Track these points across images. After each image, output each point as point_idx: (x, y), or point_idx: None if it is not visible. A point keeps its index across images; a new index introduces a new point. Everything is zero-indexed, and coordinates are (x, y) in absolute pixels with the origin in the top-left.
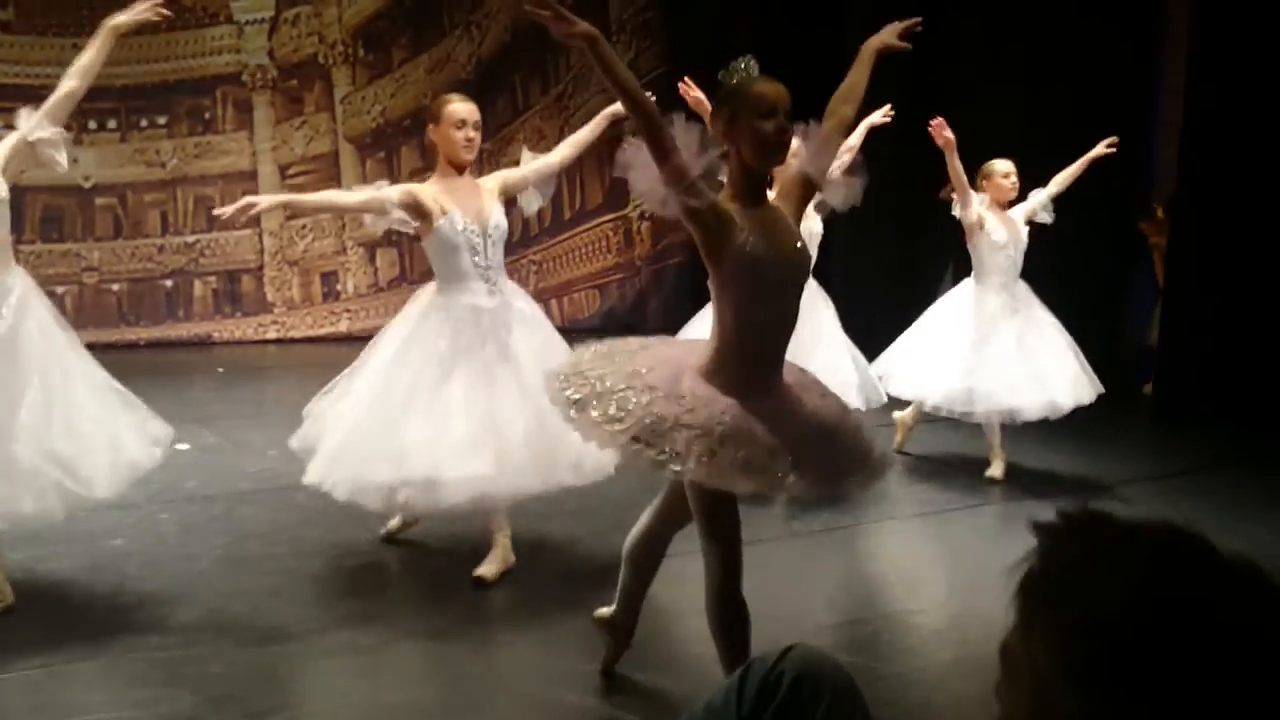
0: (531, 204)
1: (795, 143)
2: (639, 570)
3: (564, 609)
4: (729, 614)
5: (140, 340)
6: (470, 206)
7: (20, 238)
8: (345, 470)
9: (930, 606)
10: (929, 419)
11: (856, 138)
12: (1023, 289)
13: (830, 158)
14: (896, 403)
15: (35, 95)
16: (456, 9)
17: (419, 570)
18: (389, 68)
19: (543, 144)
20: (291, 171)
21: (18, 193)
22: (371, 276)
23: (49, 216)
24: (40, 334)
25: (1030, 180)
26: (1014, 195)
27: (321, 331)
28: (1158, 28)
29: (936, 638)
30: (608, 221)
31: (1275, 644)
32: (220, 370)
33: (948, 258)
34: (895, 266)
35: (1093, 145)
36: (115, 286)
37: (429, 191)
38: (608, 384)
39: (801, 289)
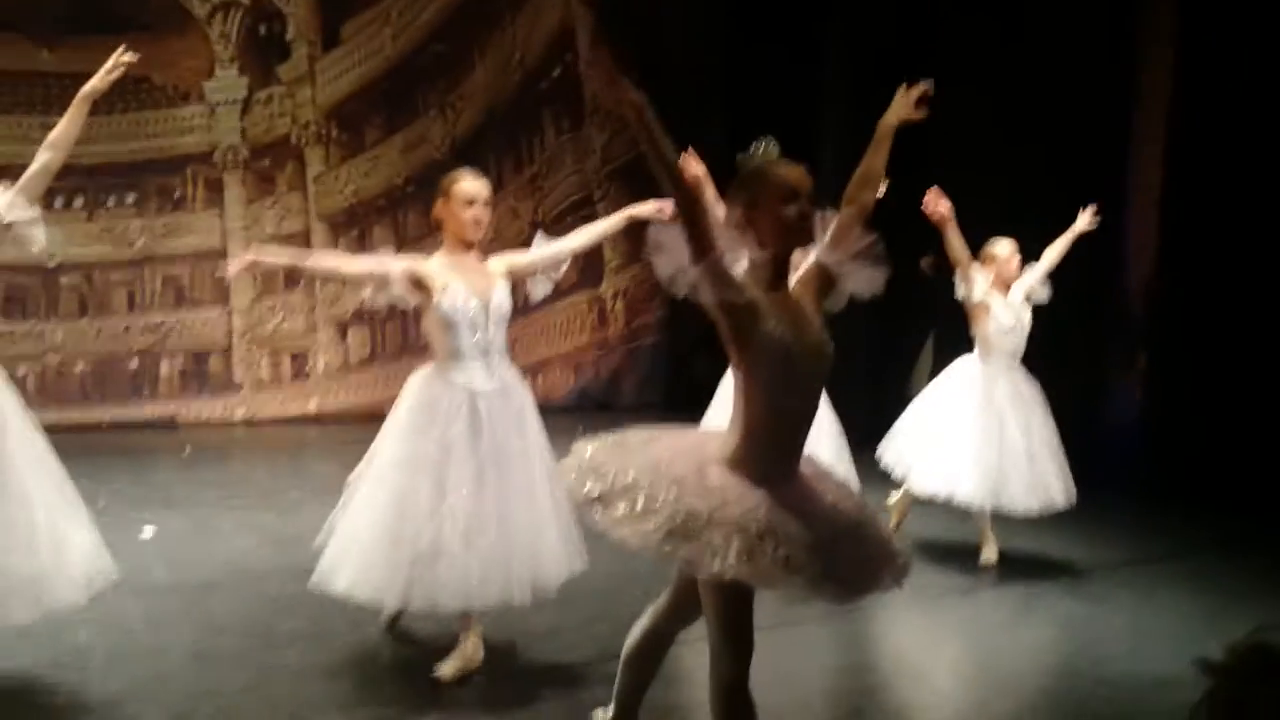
0: (539, 290)
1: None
2: (640, 672)
3: (557, 703)
4: (738, 713)
5: (104, 421)
6: (474, 283)
7: None
8: (362, 574)
9: (936, 700)
10: (916, 501)
11: None
12: (1023, 374)
13: (849, 247)
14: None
15: (3, 175)
16: (431, 90)
17: (402, 666)
18: (362, 147)
19: (517, 223)
20: None
21: None
22: (342, 356)
23: (12, 295)
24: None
25: None
26: (1018, 276)
27: (290, 412)
28: (1131, 96)
29: None
30: (582, 300)
31: None
32: (186, 452)
33: (927, 328)
34: (873, 340)
35: (1069, 213)
36: (79, 367)
37: (432, 266)
38: (630, 478)
39: (825, 379)
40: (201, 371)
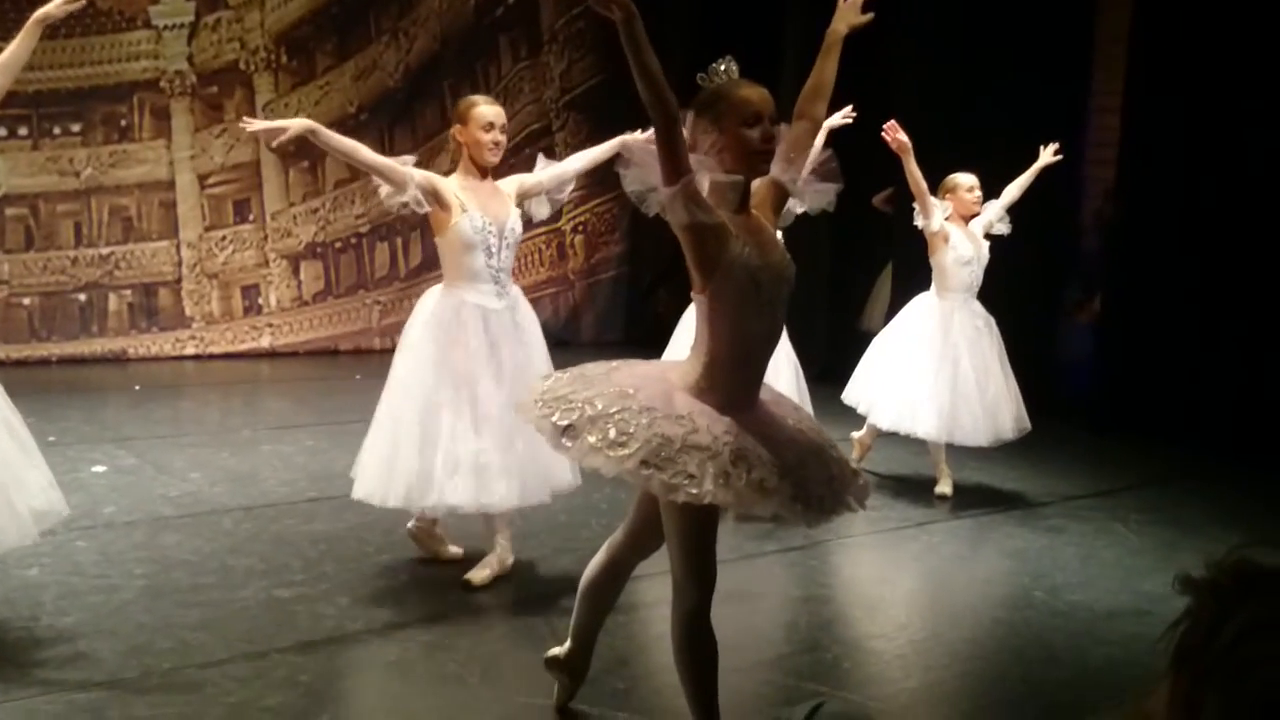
0: (541, 210)
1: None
2: (598, 604)
3: (513, 640)
4: (699, 644)
5: (53, 356)
6: (489, 207)
7: None
8: (388, 485)
9: (891, 631)
10: (878, 435)
11: (819, 140)
12: (979, 307)
13: (803, 162)
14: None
15: None
16: (383, 15)
17: (354, 600)
18: (313, 75)
19: None
20: (211, 181)
21: None
22: (295, 290)
23: None
24: None
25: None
26: (978, 209)
27: (242, 347)
28: (1088, 43)
29: (900, 664)
30: (540, 235)
31: None
32: (137, 388)
33: (885, 262)
34: (830, 270)
35: (1030, 152)
36: (26, 300)
37: (450, 186)
38: (599, 407)
39: (787, 301)
40: (151, 305)
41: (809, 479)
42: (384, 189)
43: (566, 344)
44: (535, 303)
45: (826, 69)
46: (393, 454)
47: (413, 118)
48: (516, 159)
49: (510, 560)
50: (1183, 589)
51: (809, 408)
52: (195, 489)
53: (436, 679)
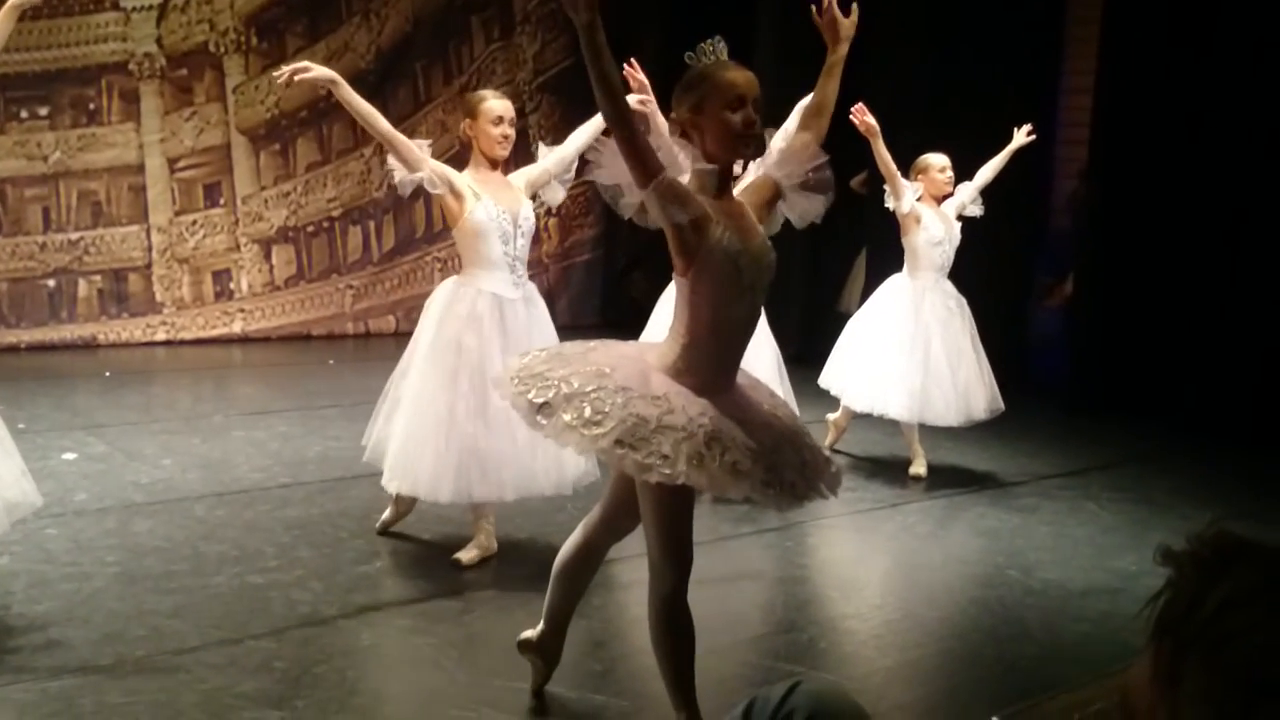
0: (555, 196)
1: (778, 142)
2: (572, 586)
3: (490, 623)
4: (676, 626)
5: (21, 343)
6: (502, 198)
7: None
8: (412, 473)
9: (866, 610)
10: (853, 417)
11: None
12: (950, 288)
13: (799, 170)
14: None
15: None
16: None
17: (329, 587)
18: (284, 56)
19: (446, 136)
20: (181, 164)
21: None
22: (267, 275)
23: None
24: None
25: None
26: (950, 190)
27: (214, 333)
28: (1060, 24)
29: (876, 643)
30: None
31: None
32: (107, 374)
33: (860, 245)
34: (805, 253)
35: (1001, 132)
36: None
37: (463, 179)
38: (575, 385)
39: (768, 288)
40: (121, 291)
41: (782, 464)
42: (398, 170)
43: None
44: None
45: (829, 89)
46: (444, 448)
47: (385, 99)
48: None
49: (494, 546)
50: (1164, 561)
51: (789, 391)
52: (167, 475)
53: (412, 663)
